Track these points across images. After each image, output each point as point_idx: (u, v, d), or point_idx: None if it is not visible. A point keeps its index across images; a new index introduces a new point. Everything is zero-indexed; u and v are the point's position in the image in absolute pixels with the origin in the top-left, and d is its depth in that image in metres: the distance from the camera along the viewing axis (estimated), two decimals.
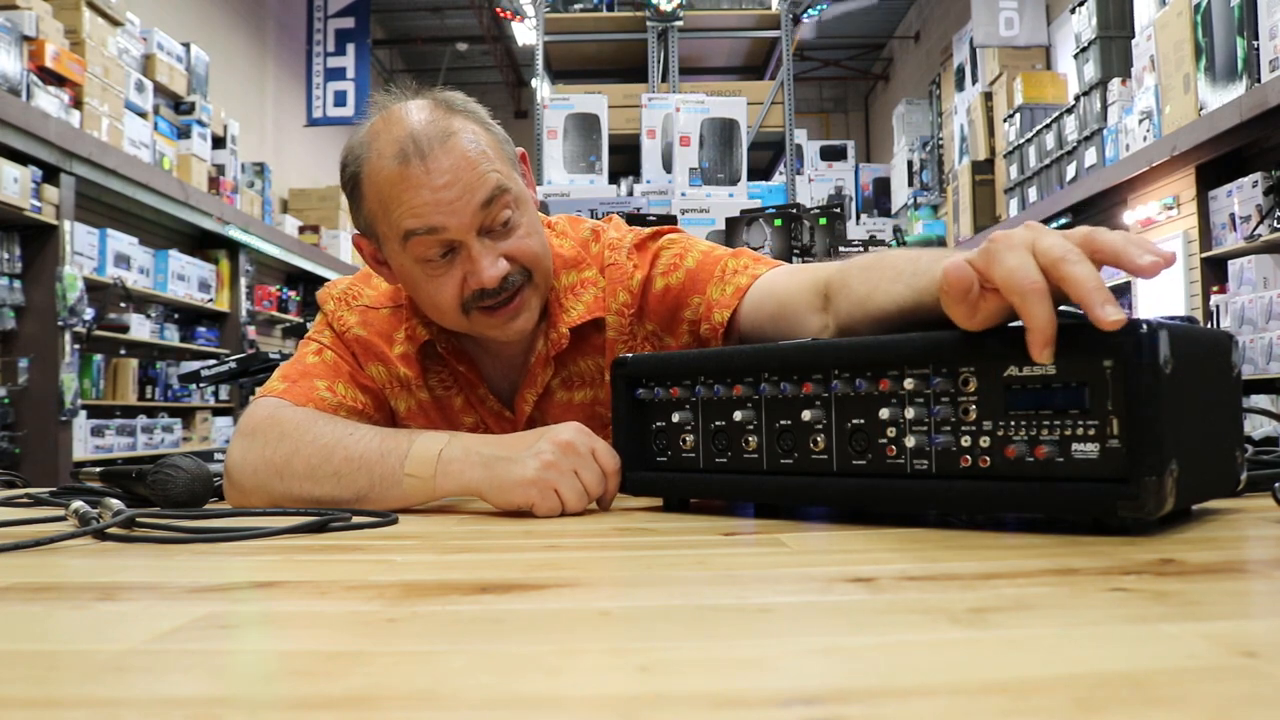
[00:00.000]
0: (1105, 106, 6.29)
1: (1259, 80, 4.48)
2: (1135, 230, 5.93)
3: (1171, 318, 0.74)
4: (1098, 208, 6.57)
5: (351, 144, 1.12)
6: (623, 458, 0.98)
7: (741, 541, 0.78)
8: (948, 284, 0.69)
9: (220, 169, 7.10)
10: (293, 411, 1.11)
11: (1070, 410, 0.68)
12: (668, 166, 4.73)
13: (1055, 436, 0.70)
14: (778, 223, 4.01)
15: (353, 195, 1.13)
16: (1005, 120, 8.02)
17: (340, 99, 9.37)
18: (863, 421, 0.80)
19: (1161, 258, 0.66)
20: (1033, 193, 7.40)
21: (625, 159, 4.99)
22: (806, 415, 0.83)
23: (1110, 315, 0.62)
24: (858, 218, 9.85)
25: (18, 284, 4.93)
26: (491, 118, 1.17)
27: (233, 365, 2.96)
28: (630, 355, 0.99)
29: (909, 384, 0.76)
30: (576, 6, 5.47)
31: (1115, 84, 6.16)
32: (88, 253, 5.38)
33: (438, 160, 1.05)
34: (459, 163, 1.06)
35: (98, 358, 5.75)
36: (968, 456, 0.74)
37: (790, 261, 1.99)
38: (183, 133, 6.59)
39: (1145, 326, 0.65)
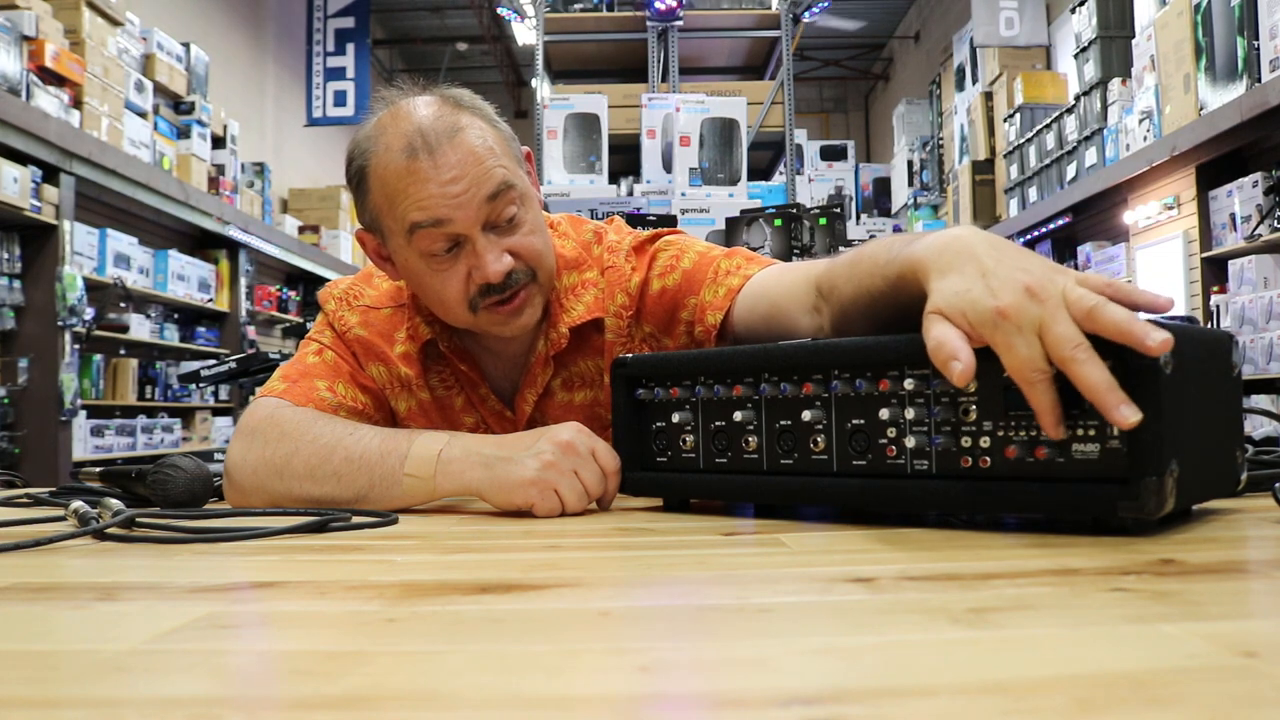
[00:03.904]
0: (1105, 106, 6.29)
1: (1259, 80, 4.47)
2: (1135, 229, 5.93)
3: (1171, 318, 0.74)
4: (1098, 208, 6.57)
5: (358, 138, 1.12)
6: (623, 458, 0.98)
7: (741, 541, 0.78)
8: (941, 367, 0.70)
9: (220, 169, 7.09)
10: (293, 411, 1.11)
11: (1070, 410, 0.68)
12: (668, 166, 4.72)
13: None
14: (778, 223, 4.01)
15: (358, 189, 1.13)
16: (1005, 120, 8.02)
17: (340, 99, 9.36)
18: (863, 422, 0.80)
19: (1148, 309, 0.66)
20: (1033, 192, 7.40)
21: (625, 159, 4.98)
22: (806, 415, 0.83)
23: (1128, 417, 0.63)
24: (858, 218, 9.85)
25: (18, 284, 4.93)
26: (498, 116, 1.17)
27: (233, 365, 2.95)
28: (630, 355, 0.99)
29: (909, 384, 0.76)
30: (576, 6, 5.47)
31: (1115, 84, 6.16)
32: (88, 253, 5.38)
33: (445, 155, 1.06)
34: (465, 157, 1.06)
35: (97, 358, 5.75)
36: (968, 457, 0.74)
37: (790, 262, 1.99)
38: (183, 133, 6.59)
39: None
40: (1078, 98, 6.73)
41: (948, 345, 0.69)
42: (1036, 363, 0.66)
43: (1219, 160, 5.07)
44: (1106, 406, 0.64)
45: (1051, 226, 7.03)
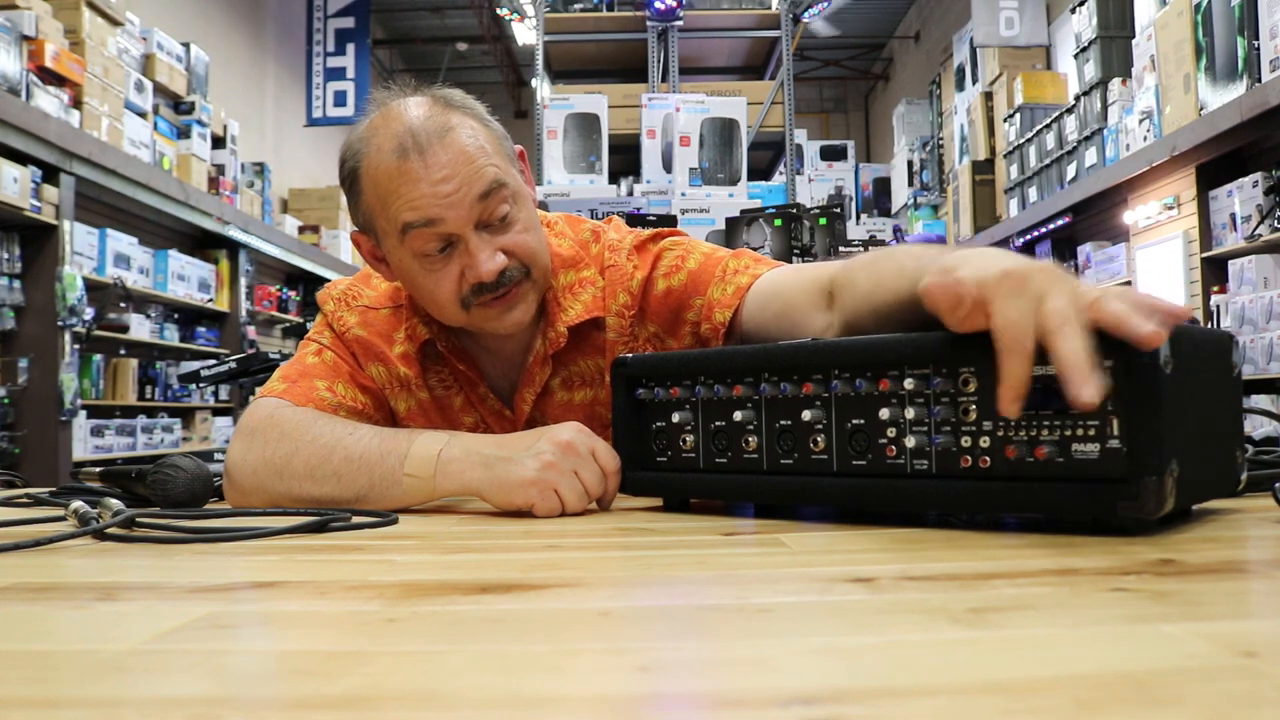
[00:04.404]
0: (1105, 106, 6.29)
1: (1259, 80, 4.48)
2: (1135, 229, 5.93)
3: None
4: (1098, 208, 6.57)
5: (350, 140, 1.13)
6: (623, 458, 0.98)
7: (741, 541, 0.78)
8: (932, 301, 0.71)
9: (220, 169, 7.09)
10: (292, 411, 1.11)
11: (1070, 410, 0.68)
12: (668, 166, 4.72)
13: (1055, 436, 0.70)
14: (778, 223, 4.01)
15: (351, 191, 1.13)
16: (1005, 120, 8.01)
17: (340, 99, 9.36)
18: (863, 421, 0.80)
19: (1169, 317, 0.65)
20: (1033, 192, 7.40)
21: (625, 159, 4.98)
22: (806, 415, 0.83)
23: (1087, 396, 0.62)
24: (858, 218, 9.86)
25: (18, 284, 4.93)
26: (490, 115, 1.17)
27: (233, 365, 2.95)
28: (630, 355, 0.99)
29: (909, 384, 0.76)
30: (576, 6, 5.47)
31: (1115, 84, 6.16)
32: (88, 253, 5.38)
33: (436, 154, 1.06)
34: (457, 157, 1.06)
35: (97, 358, 5.75)
36: (968, 457, 0.74)
37: (790, 262, 1.99)
38: (183, 133, 6.59)
39: None
40: (1078, 98, 6.73)
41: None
42: (1024, 328, 0.65)
43: (1219, 160, 5.07)
44: (1070, 380, 0.62)
45: (1051, 227, 7.03)
